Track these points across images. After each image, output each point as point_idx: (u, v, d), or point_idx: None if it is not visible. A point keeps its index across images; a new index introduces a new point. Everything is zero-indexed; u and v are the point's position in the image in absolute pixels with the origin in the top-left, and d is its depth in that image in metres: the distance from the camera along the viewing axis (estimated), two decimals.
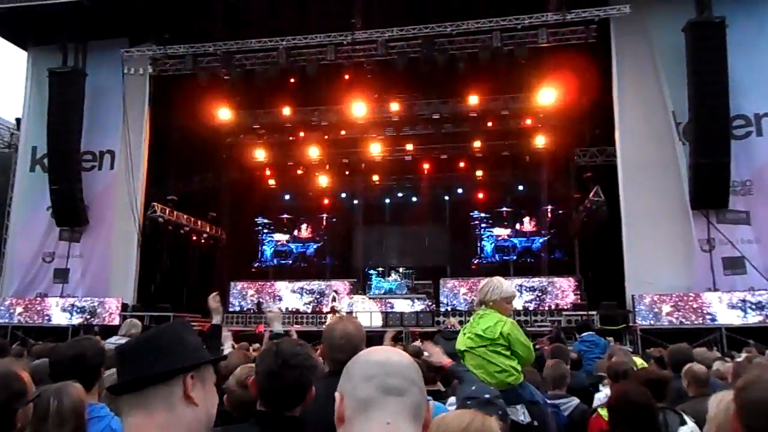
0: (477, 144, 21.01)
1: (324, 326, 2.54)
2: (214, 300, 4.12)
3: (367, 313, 18.02)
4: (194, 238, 20.68)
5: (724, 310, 13.85)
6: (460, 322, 7.99)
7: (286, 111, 19.67)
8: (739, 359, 6.64)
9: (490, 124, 19.86)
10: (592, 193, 16.35)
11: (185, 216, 19.67)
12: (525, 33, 15.25)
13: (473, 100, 18.39)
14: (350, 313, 17.91)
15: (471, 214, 23.61)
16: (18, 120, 19.19)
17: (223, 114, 19.95)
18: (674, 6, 14.68)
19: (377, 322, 17.56)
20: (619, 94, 15.12)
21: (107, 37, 17.27)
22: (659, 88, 14.85)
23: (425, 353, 3.41)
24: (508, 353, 3.28)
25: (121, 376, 1.31)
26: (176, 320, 1.43)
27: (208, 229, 21.41)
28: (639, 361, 5.62)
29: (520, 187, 22.86)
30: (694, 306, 13.99)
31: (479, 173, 22.74)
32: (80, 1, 15.54)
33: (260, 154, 22.73)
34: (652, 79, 14.89)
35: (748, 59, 14.24)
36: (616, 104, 15.15)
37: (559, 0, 14.62)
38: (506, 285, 3.49)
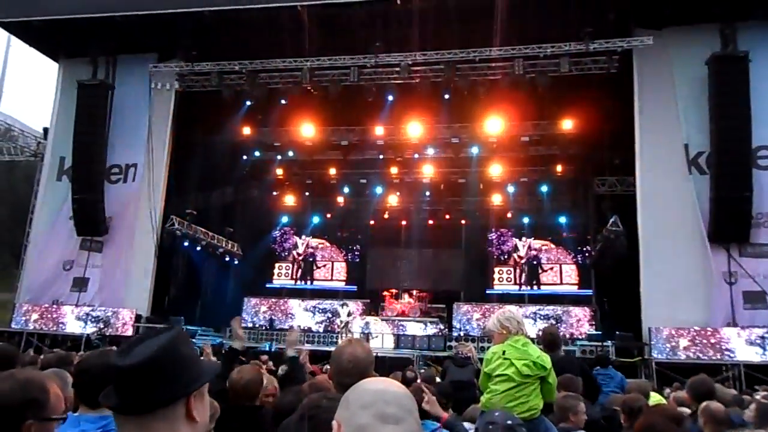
0: (496, 169, 21.00)
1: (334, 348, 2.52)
2: (238, 325, 4.15)
3: (386, 335, 17.93)
4: (210, 252, 20.84)
5: (742, 346, 13.54)
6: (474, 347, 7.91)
7: (307, 130, 19.89)
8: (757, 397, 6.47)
9: (509, 150, 19.86)
10: (610, 223, 16.22)
11: (202, 230, 19.87)
12: (547, 61, 15.29)
13: (493, 125, 18.43)
14: (367, 335, 17.80)
15: (487, 239, 23.48)
16: (45, 130, 19.63)
17: (245, 130, 20.22)
18: (698, 39, 14.65)
19: (389, 344, 17.43)
20: (640, 125, 15.05)
21: (137, 52, 17.69)
22: (678, 119, 14.79)
23: (424, 401, 3.30)
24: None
25: (124, 395, 1.29)
26: (174, 332, 1.39)
27: (224, 244, 21.57)
28: (657, 397, 5.52)
29: (538, 214, 22.74)
30: (712, 341, 13.70)
31: (497, 199, 22.69)
32: (113, 17, 15.98)
33: (279, 172, 22.93)
34: (672, 111, 14.83)
35: None
36: (636, 135, 15.08)
37: (582, 30, 14.66)
38: (491, 320, 3.54)
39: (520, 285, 22.61)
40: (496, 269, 23.13)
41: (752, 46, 14.07)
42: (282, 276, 25.03)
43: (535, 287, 22.34)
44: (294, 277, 24.87)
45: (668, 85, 14.93)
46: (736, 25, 14.34)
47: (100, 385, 2.07)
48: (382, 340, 17.52)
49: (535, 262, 22.70)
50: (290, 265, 25.10)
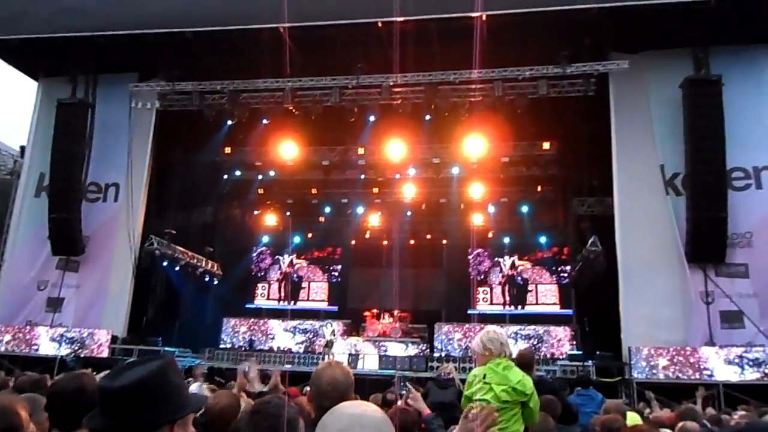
0: (476, 189, 21.15)
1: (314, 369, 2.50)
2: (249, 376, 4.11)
3: (370, 355, 17.74)
4: (189, 271, 20.59)
5: (721, 365, 13.67)
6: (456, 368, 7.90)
7: (288, 150, 19.87)
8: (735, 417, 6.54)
9: (489, 170, 20.04)
10: (589, 243, 16.38)
11: (182, 249, 19.65)
12: (526, 84, 15.53)
13: (474, 146, 18.60)
14: (356, 355, 17.59)
15: (468, 258, 23.54)
16: (22, 148, 19.35)
17: (226, 150, 20.16)
18: (672, 62, 15.04)
19: (373, 365, 17.22)
20: (617, 147, 15.33)
21: (118, 71, 17.58)
22: (654, 141, 15.09)
23: (409, 397, 3.45)
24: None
25: (109, 417, 1.30)
26: (164, 360, 1.38)
27: (204, 264, 21.33)
28: (634, 416, 5.54)
29: (518, 234, 22.90)
30: (691, 360, 13.81)
31: (477, 218, 22.82)
32: (94, 36, 15.90)
33: (260, 191, 22.85)
34: (648, 133, 15.14)
35: (746, 114, 14.51)
36: (614, 156, 15.34)
37: (559, 54, 14.94)
38: (475, 340, 3.57)
39: (504, 305, 22.67)
40: (481, 289, 23.19)
41: (725, 70, 14.46)
42: (260, 296, 24.76)
43: (520, 308, 22.41)
44: (279, 297, 24.66)
45: (644, 108, 15.25)
46: (708, 49, 14.75)
47: (74, 409, 2.05)
48: (364, 361, 17.36)
49: (521, 282, 22.81)
50: (268, 285, 24.88)
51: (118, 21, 15.76)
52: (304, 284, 24.82)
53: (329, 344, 18.11)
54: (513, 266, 23.05)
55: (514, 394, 3.26)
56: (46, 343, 16.74)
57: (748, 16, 14.05)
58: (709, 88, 14.29)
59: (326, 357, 17.08)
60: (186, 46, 15.90)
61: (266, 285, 24.86)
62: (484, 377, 3.35)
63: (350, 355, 17.59)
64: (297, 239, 24.92)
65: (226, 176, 22.26)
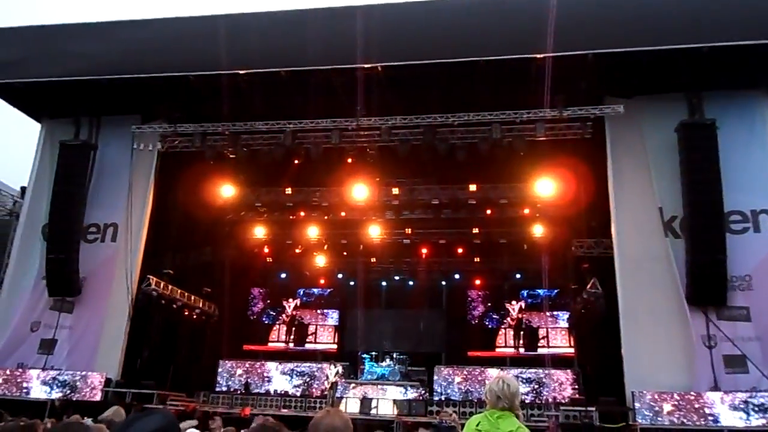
0: (475, 231, 21.16)
1: (313, 417, 2.44)
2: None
3: (383, 400, 17.34)
4: (186, 313, 20.38)
5: (726, 411, 13.39)
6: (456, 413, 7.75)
7: (288, 191, 19.98)
8: None
9: (488, 211, 20.10)
10: (589, 285, 16.28)
11: (179, 290, 19.50)
12: (524, 126, 15.71)
13: (472, 187, 18.72)
14: (369, 400, 17.21)
15: (468, 300, 23.40)
16: (23, 188, 19.41)
17: (226, 191, 20.25)
18: (666, 107, 15.26)
19: (387, 410, 16.73)
20: (615, 189, 15.39)
21: (121, 113, 17.80)
22: (651, 184, 15.17)
23: None
24: None
25: None
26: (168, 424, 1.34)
27: (201, 305, 21.14)
28: None
29: (518, 275, 22.80)
30: (696, 406, 13.53)
31: (477, 260, 22.75)
32: (97, 79, 16.16)
33: (260, 232, 22.85)
34: (645, 175, 15.23)
35: (741, 158, 14.65)
36: (611, 199, 15.39)
37: (555, 97, 15.17)
38: (486, 387, 3.49)
39: (516, 347, 22.53)
40: (480, 332, 23.02)
41: (718, 114, 14.67)
42: (260, 339, 24.49)
43: (531, 351, 22.22)
44: (283, 339, 24.46)
45: (640, 151, 15.39)
46: (701, 94, 15.00)
47: None
48: (378, 406, 16.95)
49: (530, 326, 22.67)
50: (263, 327, 24.67)
51: (122, 65, 16.04)
52: (310, 327, 24.66)
53: (333, 386, 17.78)
54: (521, 311, 22.95)
55: None
56: (38, 387, 16.38)
57: (740, 62, 14.36)
58: (704, 131, 14.48)
59: (331, 400, 16.78)
60: (188, 89, 16.16)
61: (267, 328, 24.66)
62: (478, 424, 3.36)
63: (364, 398, 17.21)
64: (296, 280, 24.80)
65: (226, 217, 22.27)
